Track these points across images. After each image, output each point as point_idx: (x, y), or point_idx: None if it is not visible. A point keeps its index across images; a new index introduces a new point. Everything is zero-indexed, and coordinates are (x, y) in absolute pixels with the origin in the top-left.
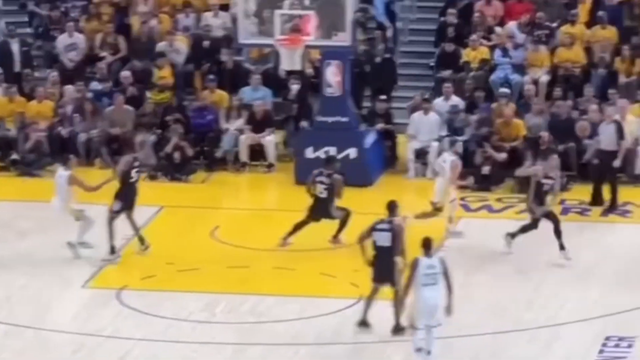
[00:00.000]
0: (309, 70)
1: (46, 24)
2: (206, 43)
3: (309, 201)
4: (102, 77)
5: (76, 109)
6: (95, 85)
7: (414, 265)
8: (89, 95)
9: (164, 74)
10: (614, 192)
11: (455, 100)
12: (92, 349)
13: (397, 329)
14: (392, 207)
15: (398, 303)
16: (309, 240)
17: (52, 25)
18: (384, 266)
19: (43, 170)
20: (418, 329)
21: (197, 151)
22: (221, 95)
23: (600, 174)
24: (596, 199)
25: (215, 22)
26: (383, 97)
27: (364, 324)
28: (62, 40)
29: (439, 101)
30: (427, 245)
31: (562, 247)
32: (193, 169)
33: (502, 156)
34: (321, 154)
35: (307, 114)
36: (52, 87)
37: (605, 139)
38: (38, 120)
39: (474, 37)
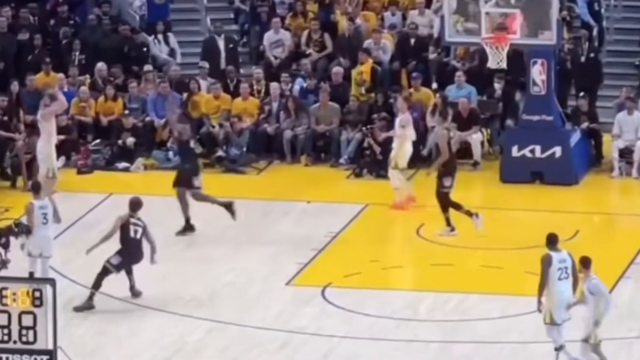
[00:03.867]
0: None
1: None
2: (412, 41)
3: (515, 200)
4: (307, 74)
5: (281, 106)
6: (300, 82)
7: (547, 260)
8: (295, 91)
9: (364, 69)
10: None
11: None
12: (297, 346)
13: None
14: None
15: None
16: (515, 238)
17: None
18: None
19: (248, 167)
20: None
21: None
22: (427, 93)
23: None
24: None
25: (421, 21)
26: (583, 94)
27: None
28: (268, 37)
29: None
30: (554, 240)
31: None
32: None
33: None
34: (526, 152)
35: (513, 113)
36: (257, 84)
37: None
38: (244, 116)
39: None
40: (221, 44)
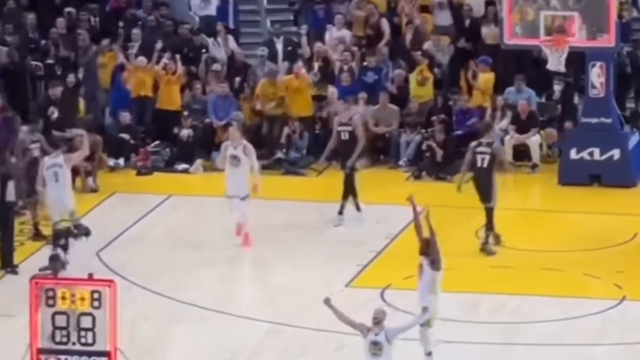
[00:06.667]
0: None
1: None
2: (467, 22)
3: (573, 202)
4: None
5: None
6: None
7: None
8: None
9: (423, 67)
10: None
11: None
12: (353, 348)
13: None
14: None
15: None
16: (574, 240)
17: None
18: None
19: (307, 169)
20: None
21: (459, 151)
22: (488, 77)
23: None
24: None
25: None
26: None
27: None
28: (330, 34)
29: None
30: None
31: None
32: (456, 169)
33: None
34: (585, 155)
35: (572, 115)
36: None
37: None
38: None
39: None
40: (279, 46)
